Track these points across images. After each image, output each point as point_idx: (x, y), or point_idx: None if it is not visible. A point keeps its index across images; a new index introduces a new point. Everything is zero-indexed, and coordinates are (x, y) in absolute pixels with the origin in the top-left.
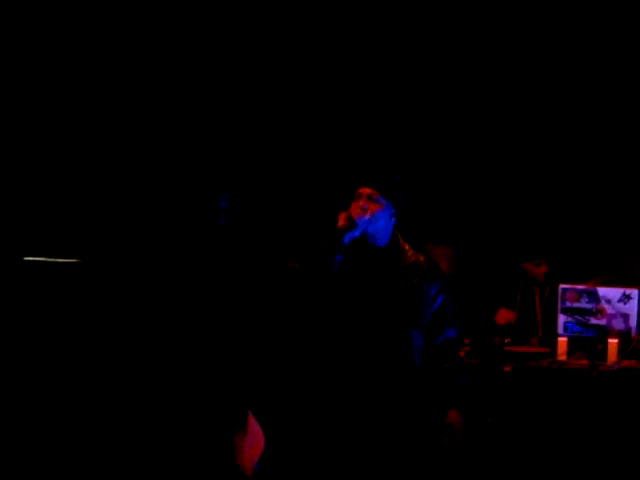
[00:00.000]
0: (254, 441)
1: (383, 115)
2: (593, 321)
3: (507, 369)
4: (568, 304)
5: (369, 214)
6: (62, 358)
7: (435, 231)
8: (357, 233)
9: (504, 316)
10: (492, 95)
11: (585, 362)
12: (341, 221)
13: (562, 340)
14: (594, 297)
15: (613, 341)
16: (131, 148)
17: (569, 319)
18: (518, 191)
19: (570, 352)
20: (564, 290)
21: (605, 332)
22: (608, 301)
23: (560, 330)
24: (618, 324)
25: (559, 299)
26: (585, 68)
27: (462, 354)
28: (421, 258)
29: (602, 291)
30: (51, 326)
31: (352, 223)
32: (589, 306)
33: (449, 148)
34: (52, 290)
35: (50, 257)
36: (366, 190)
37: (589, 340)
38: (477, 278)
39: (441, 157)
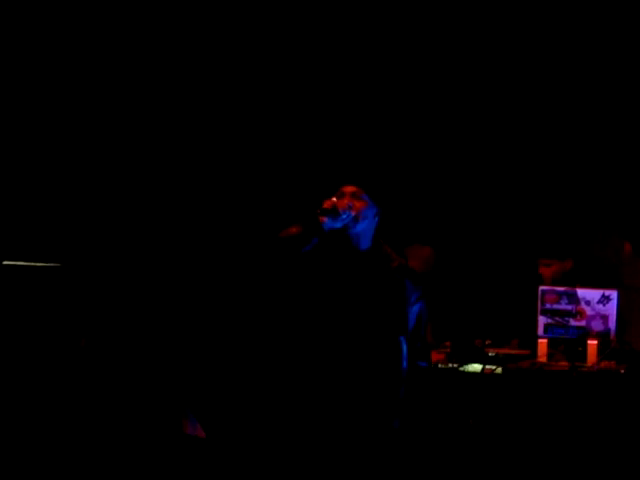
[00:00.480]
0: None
1: (374, 113)
2: (573, 322)
3: (487, 371)
4: (548, 305)
5: (354, 211)
6: (41, 362)
7: (418, 231)
8: (339, 224)
9: None
10: (491, 95)
11: (565, 364)
12: (325, 204)
13: (542, 342)
14: (574, 298)
15: (592, 342)
16: (106, 151)
17: (549, 321)
18: (520, 191)
19: (550, 354)
20: (543, 292)
21: (585, 333)
22: (587, 302)
23: (540, 332)
24: (597, 325)
25: (539, 300)
26: (581, 64)
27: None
28: (403, 262)
29: (581, 292)
30: (31, 330)
31: (335, 210)
32: (569, 307)
33: (445, 146)
34: (31, 295)
35: (29, 261)
36: (350, 188)
37: (569, 342)
38: (459, 279)
39: (434, 156)
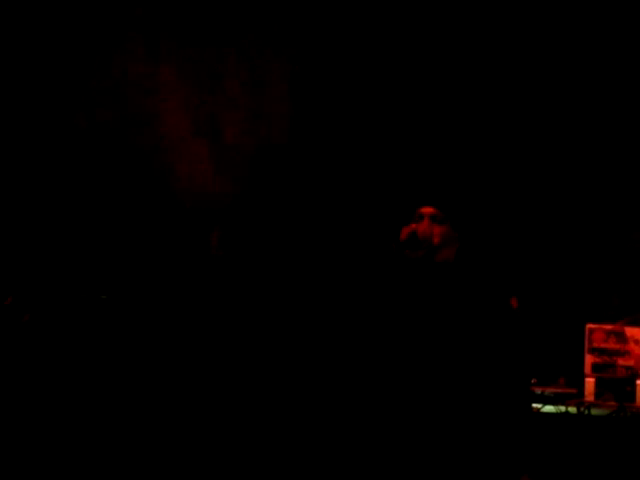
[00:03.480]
0: None
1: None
2: (621, 362)
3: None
4: (595, 344)
5: (436, 238)
6: (87, 396)
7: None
8: (420, 254)
9: None
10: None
11: (613, 403)
12: (403, 234)
13: (590, 381)
14: (622, 338)
15: None
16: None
17: (597, 359)
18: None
19: (598, 393)
20: (591, 330)
21: (634, 373)
22: (636, 341)
23: (587, 370)
24: None
25: (586, 339)
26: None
27: None
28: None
29: (630, 332)
30: (77, 363)
31: (414, 239)
32: (617, 347)
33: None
34: (78, 325)
35: (75, 293)
36: (428, 209)
37: (617, 381)
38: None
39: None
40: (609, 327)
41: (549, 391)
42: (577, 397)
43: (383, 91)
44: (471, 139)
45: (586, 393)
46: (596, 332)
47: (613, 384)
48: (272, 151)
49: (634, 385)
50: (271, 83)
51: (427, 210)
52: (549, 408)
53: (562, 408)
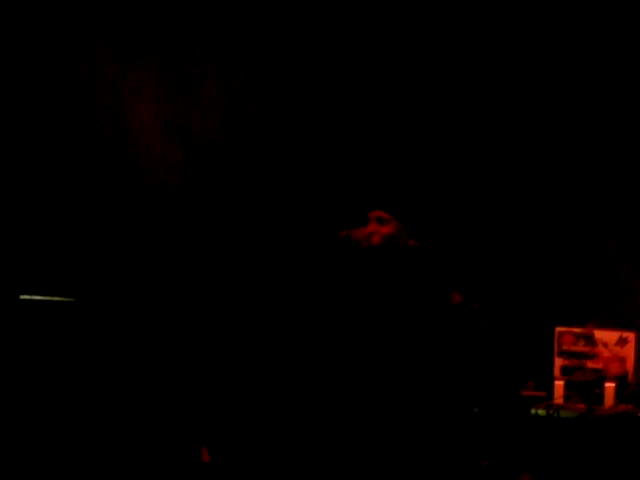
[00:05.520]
0: None
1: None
2: (590, 365)
3: None
4: (564, 347)
5: (377, 238)
6: (57, 397)
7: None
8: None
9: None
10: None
11: (582, 406)
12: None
13: (559, 384)
14: (590, 340)
15: (610, 385)
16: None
17: (566, 362)
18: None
19: (567, 396)
20: (561, 333)
21: (602, 376)
22: (605, 344)
23: (557, 373)
24: (615, 368)
25: (555, 342)
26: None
27: None
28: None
29: (599, 334)
30: (47, 365)
31: (349, 242)
32: (586, 349)
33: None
34: (48, 329)
35: (46, 296)
36: (375, 213)
37: (586, 384)
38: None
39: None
40: (578, 330)
41: None
42: (546, 400)
43: (359, 92)
44: (445, 140)
45: (555, 396)
46: (565, 335)
47: (582, 387)
48: (243, 150)
49: (602, 388)
50: (242, 83)
51: (373, 213)
52: None
53: (531, 411)
